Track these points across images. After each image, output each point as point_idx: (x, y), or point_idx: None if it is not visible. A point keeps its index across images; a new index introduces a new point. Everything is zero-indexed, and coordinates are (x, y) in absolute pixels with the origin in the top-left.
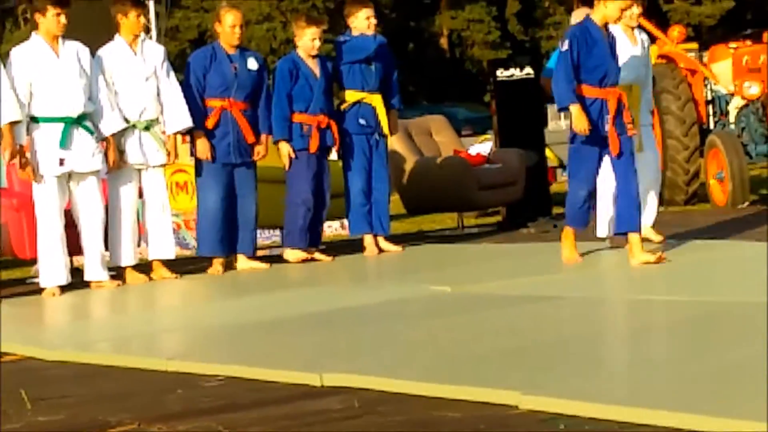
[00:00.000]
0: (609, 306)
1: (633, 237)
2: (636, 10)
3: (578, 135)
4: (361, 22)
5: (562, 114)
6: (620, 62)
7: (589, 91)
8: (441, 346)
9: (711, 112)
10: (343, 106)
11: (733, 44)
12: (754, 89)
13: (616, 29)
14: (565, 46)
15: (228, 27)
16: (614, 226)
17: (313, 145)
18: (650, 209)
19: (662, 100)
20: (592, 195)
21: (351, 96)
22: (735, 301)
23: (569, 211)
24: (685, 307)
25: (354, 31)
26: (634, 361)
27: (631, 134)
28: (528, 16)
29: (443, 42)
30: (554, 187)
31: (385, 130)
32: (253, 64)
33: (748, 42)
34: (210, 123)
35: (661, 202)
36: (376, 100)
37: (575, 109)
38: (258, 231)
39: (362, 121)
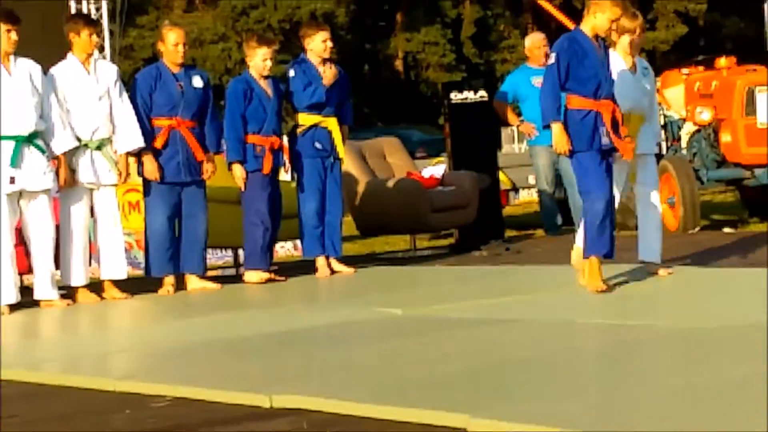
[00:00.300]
0: (560, 329)
1: (595, 260)
2: (636, 39)
3: (575, 149)
4: (318, 45)
5: (516, 137)
6: (619, 90)
7: (583, 103)
8: (391, 368)
9: (663, 137)
10: (298, 130)
11: (685, 70)
12: (705, 115)
13: (614, 55)
14: (552, 59)
15: (171, 45)
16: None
17: (267, 166)
18: (657, 243)
19: None
20: (611, 210)
21: (306, 119)
22: (684, 327)
23: (589, 234)
24: (633, 331)
25: (310, 54)
26: (584, 385)
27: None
28: (483, 39)
29: (398, 64)
30: (507, 210)
31: (341, 154)
32: (198, 81)
33: (701, 68)
34: (159, 143)
35: (613, 226)
36: (332, 124)
37: (557, 127)
38: (209, 251)
39: (318, 145)
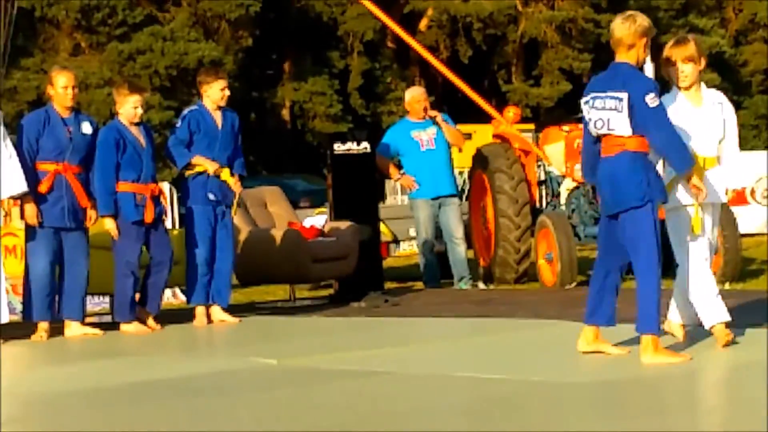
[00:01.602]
0: (434, 383)
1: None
2: (687, 68)
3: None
4: (216, 92)
5: (399, 188)
6: (691, 131)
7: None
8: (262, 419)
9: (544, 192)
10: (188, 172)
11: (566, 127)
12: None
13: (675, 93)
14: (658, 102)
15: (60, 88)
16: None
17: (149, 215)
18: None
19: (496, 179)
20: None
21: (199, 166)
22: (555, 382)
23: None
24: (505, 386)
25: (206, 100)
26: None
27: None
28: (370, 90)
29: (285, 113)
30: (387, 262)
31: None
32: (87, 128)
33: (581, 125)
34: (44, 187)
35: (492, 279)
36: (225, 174)
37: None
38: (88, 297)
39: (211, 196)
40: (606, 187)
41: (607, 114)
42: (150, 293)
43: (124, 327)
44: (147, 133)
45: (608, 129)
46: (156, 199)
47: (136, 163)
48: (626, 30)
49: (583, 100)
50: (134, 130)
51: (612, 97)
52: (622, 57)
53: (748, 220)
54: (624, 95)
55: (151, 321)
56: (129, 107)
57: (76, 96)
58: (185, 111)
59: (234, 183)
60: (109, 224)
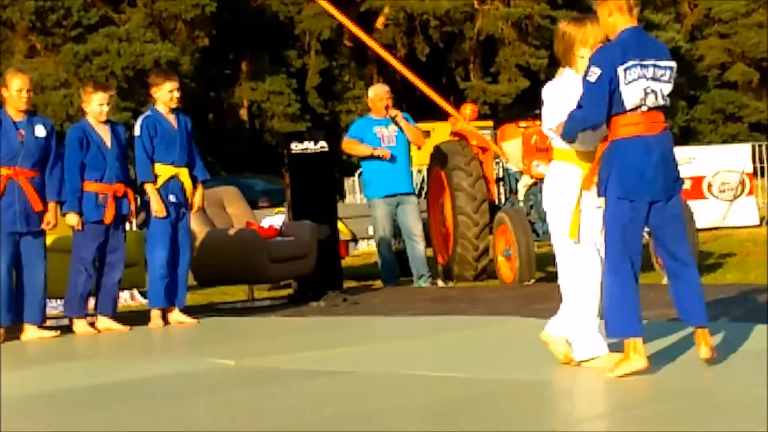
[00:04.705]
0: (394, 382)
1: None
2: None
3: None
4: (165, 95)
5: (358, 187)
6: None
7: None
8: (218, 421)
9: (501, 189)
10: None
11: (523, 123)
12: (542, 168)
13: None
14: None
15: (15, 91)
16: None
17: (109, 215)
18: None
19: (453, 176)
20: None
21: (162, 171)
22: (512, 379)
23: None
24: (465, 385)
25: (157, 103)
26: None
27: None
28: (328, 89)
29: (243, 113)
30: (346, 261)
31: (192, 201)
32: (41, 130)
33: (538, 122)
34: None
35: (451, 277)
36: (184, 175)
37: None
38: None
39: (172, 198)
40: (666, 167)
41: (659, 85)
42: (101, 295)
43: (76, 325)
44: (114, 132)
45: (663, 100)
46: (120, 200)
47: (99, 162)
48: None
49: (622, 67)
50: (101, 129)
51: (662, 67)
52: (629, 22)
53: (705, 214)
54: (674, 64)
55: (108, 321)
56: (95, 105)
57: (31, 99)
58: (140, 119)
59: (197, 197)
60: (72, 219)
